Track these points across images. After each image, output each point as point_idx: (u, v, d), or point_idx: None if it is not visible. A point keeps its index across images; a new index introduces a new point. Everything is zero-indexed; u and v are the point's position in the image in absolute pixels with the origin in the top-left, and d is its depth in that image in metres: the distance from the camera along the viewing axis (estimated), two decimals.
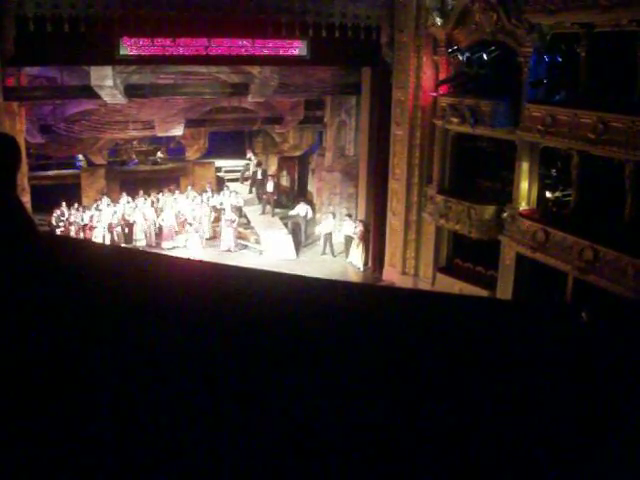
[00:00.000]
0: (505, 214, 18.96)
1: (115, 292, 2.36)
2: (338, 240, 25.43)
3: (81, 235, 23.90)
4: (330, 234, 25.42)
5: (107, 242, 23.78)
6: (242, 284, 2.47)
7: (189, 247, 24.85)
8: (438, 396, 1.89)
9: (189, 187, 27.77)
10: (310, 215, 26.34)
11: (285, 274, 2.66)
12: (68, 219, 24.41)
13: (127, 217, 25.40)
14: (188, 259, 3.14)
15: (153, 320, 2.21)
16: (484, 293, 19.81)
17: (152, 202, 26.47)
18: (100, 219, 24.54)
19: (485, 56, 18.67)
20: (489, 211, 19.39)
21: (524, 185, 18.38)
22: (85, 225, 24.38)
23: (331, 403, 1.82)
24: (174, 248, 24.89)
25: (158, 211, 25.93)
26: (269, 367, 1.96)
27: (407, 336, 2.21)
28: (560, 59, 17.90)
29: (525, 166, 18.29)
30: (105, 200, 25.70)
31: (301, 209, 26.45)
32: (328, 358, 2.03)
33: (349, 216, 25.07)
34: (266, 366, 1.96)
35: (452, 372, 2.01)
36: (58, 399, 1.78)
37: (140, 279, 2.57)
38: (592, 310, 2.52)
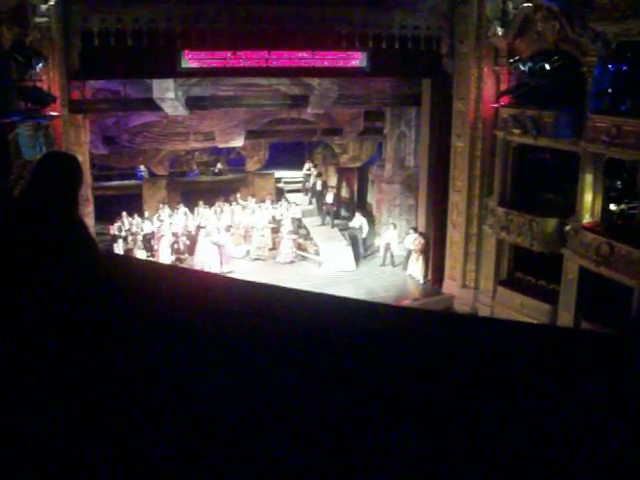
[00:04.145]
0: (568, 227, 18.55)
1: (170, 319, 2.35)
2: (399, 252, 25.18)
3: (146, 246, 24.16)
4: (389, 244, 25.19)
5: (171, 253, 24.02)
6: (272, 306, 2.41)
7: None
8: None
9: (249, 197, 27.84)
10: (366, 227, 26.13)
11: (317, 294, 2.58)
12: (130, 229, 24.75)
13: (189, 229, 25.56)
14: (246, 281, 3.15)
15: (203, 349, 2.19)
16: (546, 307, 19.45)
17: (215, 211, 26.50)
18: (164, 229, 24.74)
19: (547, 66, 18.28)
20: (551, 224, 18.98)
21: (588, 197, 17.94)
22: (147, 235, 24.65)
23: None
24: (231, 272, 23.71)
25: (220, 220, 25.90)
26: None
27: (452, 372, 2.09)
28: (625, 68, 17.43)
29: (589, 178, 17.84)
30: (167, 210, 26.00)
31: (357, 221, 26.30)
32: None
33: (413, 229, 24.68)
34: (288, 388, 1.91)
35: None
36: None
37: (198, 305, 2.55)
38: None
